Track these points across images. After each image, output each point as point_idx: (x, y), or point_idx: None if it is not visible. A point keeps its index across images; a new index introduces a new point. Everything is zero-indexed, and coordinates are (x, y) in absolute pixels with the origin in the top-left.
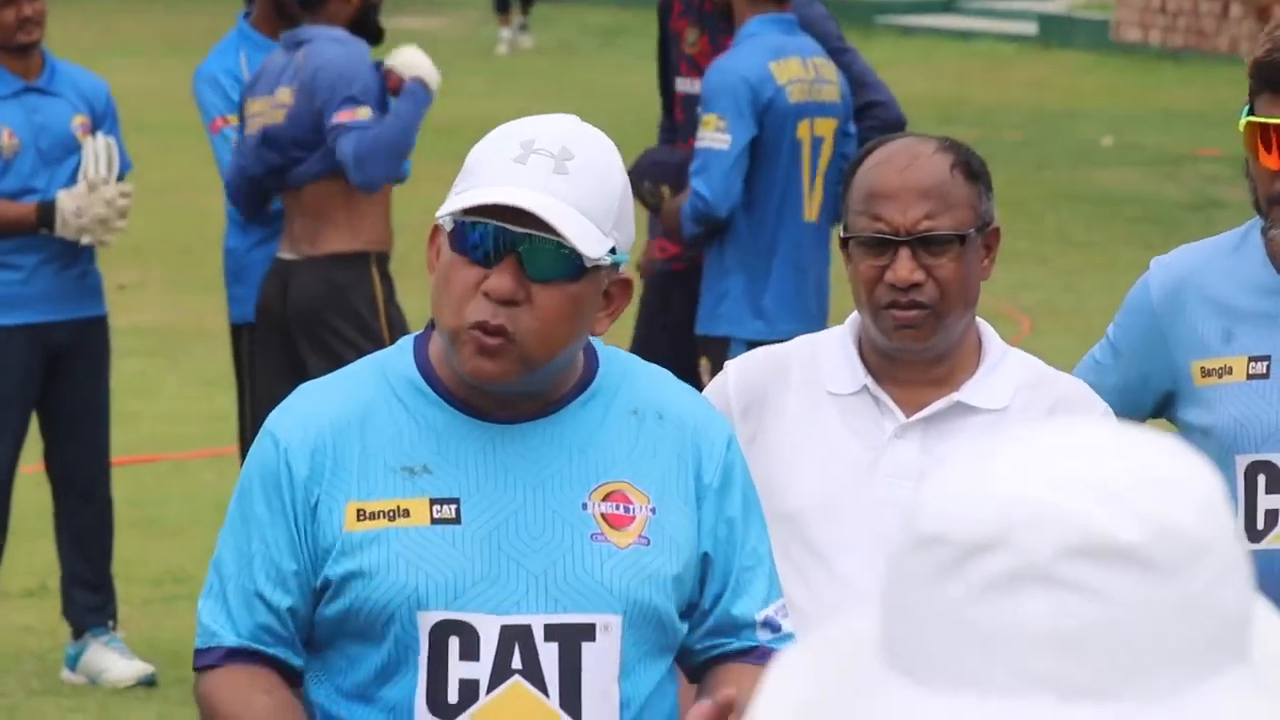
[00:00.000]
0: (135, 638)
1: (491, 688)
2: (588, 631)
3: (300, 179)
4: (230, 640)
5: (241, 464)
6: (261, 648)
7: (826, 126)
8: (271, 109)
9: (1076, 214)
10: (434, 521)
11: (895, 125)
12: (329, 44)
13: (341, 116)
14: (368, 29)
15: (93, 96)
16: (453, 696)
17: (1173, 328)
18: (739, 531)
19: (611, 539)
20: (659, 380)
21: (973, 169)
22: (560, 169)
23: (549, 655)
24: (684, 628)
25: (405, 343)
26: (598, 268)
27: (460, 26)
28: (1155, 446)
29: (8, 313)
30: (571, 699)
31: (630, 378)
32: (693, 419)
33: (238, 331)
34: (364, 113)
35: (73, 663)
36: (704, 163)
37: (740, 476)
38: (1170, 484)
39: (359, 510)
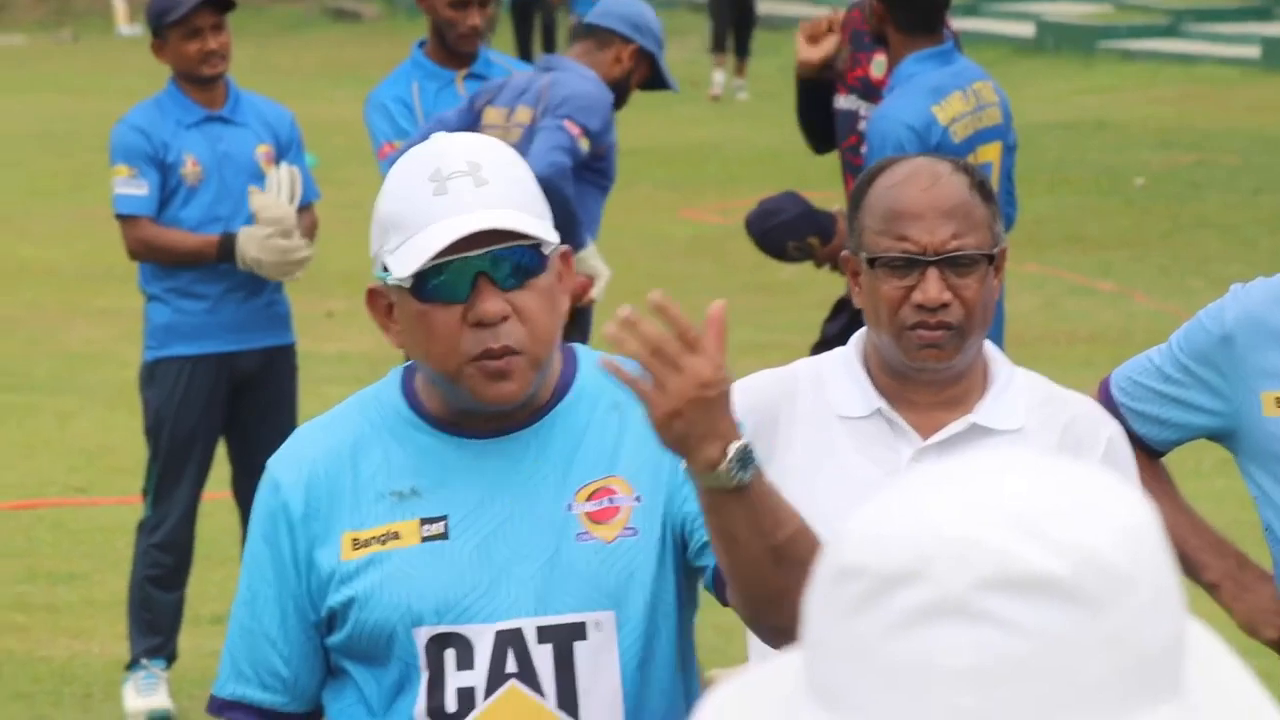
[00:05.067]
0: None
1: (488, 694)
2: (579, 630)
3: None
4: (228, 690)
5: None
6: (260, 695)
7: (991, 151)
8: (508, 125)
9: None
10: (424, 540)
11: None
12: (580, 79)
13: (569, 125)
14: (620, 92)
15: (277, 125)
16: (450, 706)
17: (1249, 354)
18: None
19: (597, 535)
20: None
21: (987, 189)
22: (480, 181)
23: (543, 657)
24: (698, 597)
25: (393, 374)
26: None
27: (679, 53)
28: (1079, 475)
29: (193, 342)
30: (568, 698)
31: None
32: None
33: None
34: (586, 143)
35: None
36: None
37: None
38: (1094, 513)
39: (354, 539)
